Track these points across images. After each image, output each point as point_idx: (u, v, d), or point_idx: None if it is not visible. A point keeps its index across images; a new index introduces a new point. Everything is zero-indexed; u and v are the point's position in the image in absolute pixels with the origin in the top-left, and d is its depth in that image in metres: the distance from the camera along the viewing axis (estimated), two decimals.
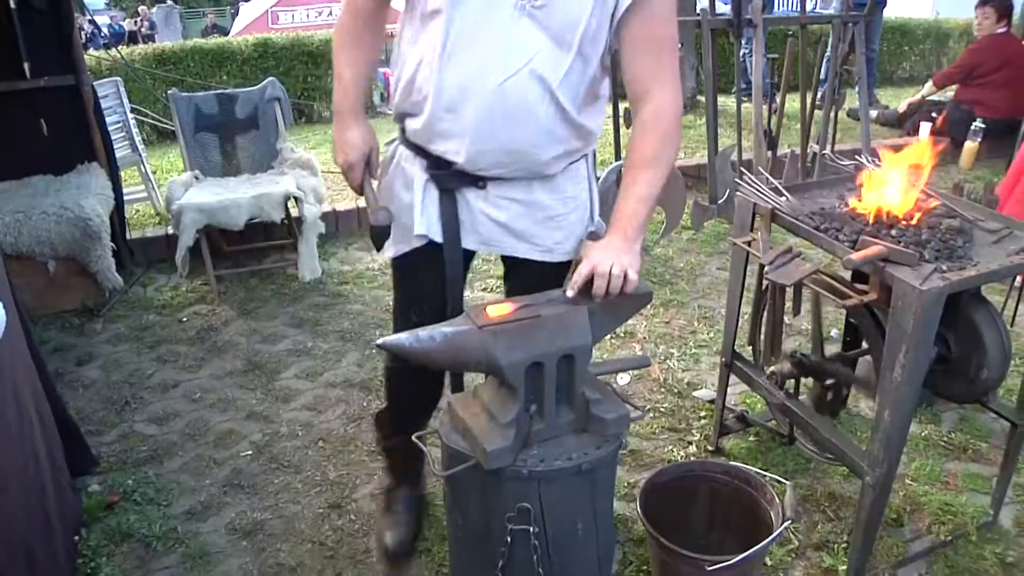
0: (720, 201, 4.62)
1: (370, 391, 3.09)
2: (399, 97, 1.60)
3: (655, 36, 1.48)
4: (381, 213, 1.61)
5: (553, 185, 1.72)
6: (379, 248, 1.66)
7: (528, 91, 1.48)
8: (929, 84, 6.34)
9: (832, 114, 4.85)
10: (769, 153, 4.79)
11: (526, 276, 1.76)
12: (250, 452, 2.77)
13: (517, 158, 1.56)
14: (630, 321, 3.57)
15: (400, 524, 2.12)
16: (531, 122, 1.51)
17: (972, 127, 5.83)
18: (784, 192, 2.30)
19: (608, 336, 3.42)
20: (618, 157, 4.59)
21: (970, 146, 5.78)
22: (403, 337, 1.45)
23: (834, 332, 3.44)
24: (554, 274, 1.76)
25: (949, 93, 6.37)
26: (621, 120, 4.43)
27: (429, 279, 1.75)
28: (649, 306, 3.76)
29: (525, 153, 1.55)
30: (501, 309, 1.56)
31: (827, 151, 4.83)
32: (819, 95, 5.58)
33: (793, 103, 6.20)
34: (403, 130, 1.64)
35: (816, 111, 5.55)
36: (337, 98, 1.68)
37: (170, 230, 4.22)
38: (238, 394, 3.11)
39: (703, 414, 2.92)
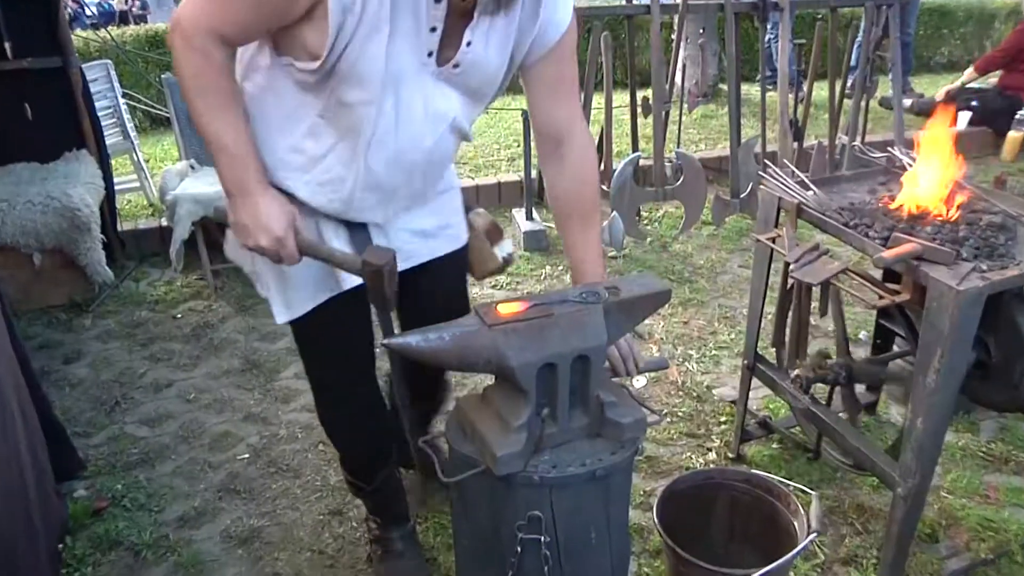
0: (743, 195, 4.65)
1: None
2: (279, 158, 1.57)
3: (567, 77, 1.63)
4: (379, 252, 1.52)
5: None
6: (384, 307, 1.59)
7: (449, 144, 1.69)
8: (970, 70, 6.26)
9: (863, 103, 4.84)
10: (795, 144, 4.80)
11: (438, 279, 1.91)
12: (247, 455, 2.78)
13: (427, 189, 1.75)
14: (647, 321, 3.58)
15: (410, 569, 2.11)
16: (446, 164, 1.76)
17: (1016, 116, 5.79)
18: (811, 185, 2.30)
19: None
20: (635, 148, 4.60)
21: (1013, 136, 5.73)
22: (410, 338, 1.46)
23: (863, 334, 3.43)
24: (458, 266, 1.97)
25: (992, 80, 6.31)
26: (639, 109, 4.44)
27: (356, 324, 1.83)
28: (667, 305, 3.75)
29: (434, 184, 1.78)
30: (512, 307, 1.56)
31: (857, 142, 4.81)
32: (849, 83, 5.57)
33: (821, 91, 6.18)
34: (282, 191, 1.60)
35: (846, 100, 5.53)
36: (228, 174, 1.48)
37: (164, 222, 4.23)
38: (235, 394, 3.12)
39: (723, 419, 2.93)
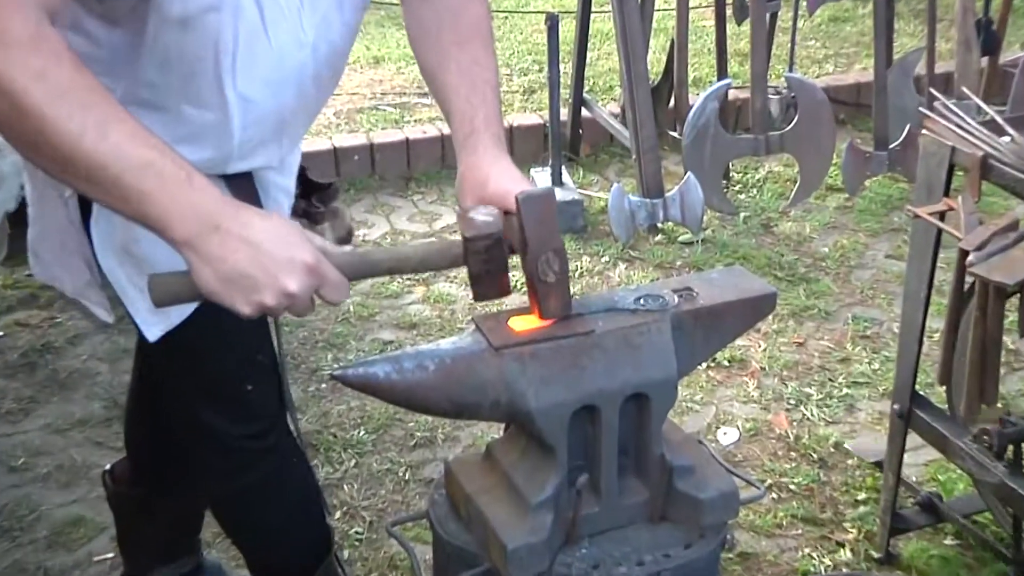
0: (893, 145, 4.66)
1: (319, 450, 3.14)
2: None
3: None
4: (482, 219, 1.57)
5: None
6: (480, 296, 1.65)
7: (341, 24, 1.77)
8: None
9: None
10: (984, 60, 4.74)
11: None
12: (110, 555, 2.80)
13: (323, 97, 1.89)
14: (739, 341, 3.61)
15: None
16: (345, 53, 1.85)
17: None
18: (1007, 128, 2.28)
19: (704, 365, 3.45)
20: (722, 74, 4.62)
21: None
22: (376, 368, 1.48)
23: None
24: None
25: None
26: (729, 11, 4.45)
27: (257, 334, 1.94)
28: (770, 317, 3.79)
29: (333, 87, 1.92)
30: (532, 320, 1.59)
31: None
32: None
33: None
34: None
35: None
36: (171, 206, 1.39)
37: None
38: (93, 457, 3.15)
39: (862, 496, 2.95)
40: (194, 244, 1.39)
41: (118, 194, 1.37)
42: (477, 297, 1.58)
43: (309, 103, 1.82)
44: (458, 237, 1.57)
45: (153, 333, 1.83)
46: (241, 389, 1.97)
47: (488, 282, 1.57)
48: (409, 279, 4.09)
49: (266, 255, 1.40)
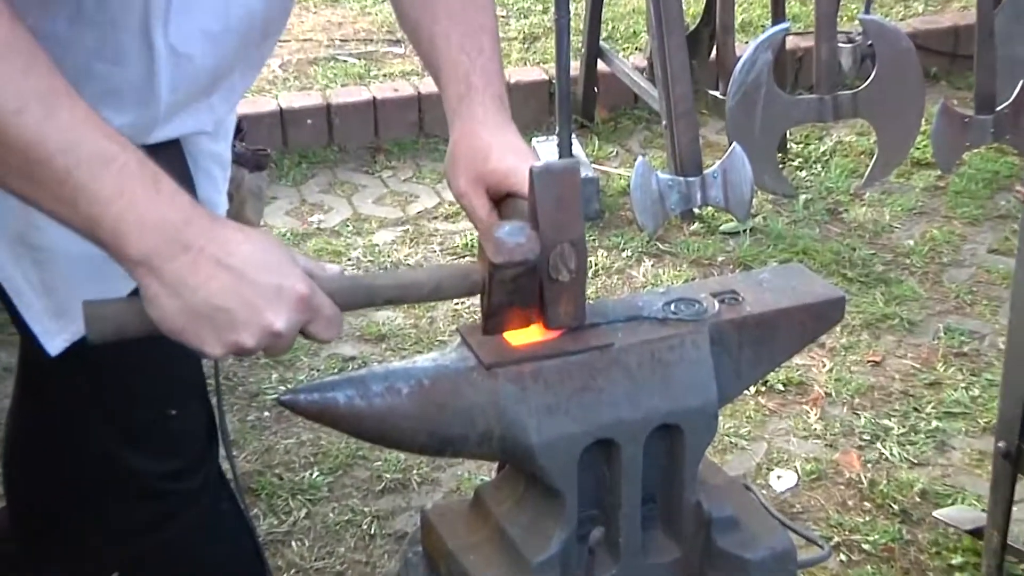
0: (1001, 107, 4.65)
1: (260, 496, 3.14)
2: None
3: None
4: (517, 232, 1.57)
5: None
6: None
7: (289, 6, 1.83)
8: None
9: None
10: None
11: None
12: None
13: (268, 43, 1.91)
14: (797, 360, 3.62)
15: None
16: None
17: None
18: None
19: (752, 389, 3.46)
20: (778, 16, 4.62)
21: None
22: (336, 392, 1.47)
23: None
24: None
25: None
26: None
27: (180, 349, 1.91)
28: (837, 328, 3.80)
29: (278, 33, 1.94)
30: (533, 331, 1.59)
31: None
32: None
33: None
34: None
35: None
36: (128, 213, 1.37)
37: None
38: None
39: (957, 559, 2.95)
40: (156, 266, 1.36)
41: (60, 193, 1.34)
42: (488, 331, 1.57)
43: (252, 56, 1.83)
44: (475, 260, 1.56)
45: (55, 345, 1.81)
46: (162, 414, 1.97)
47: (508, 316, 1.56)
48: None
49: (248, 284, 1.39)
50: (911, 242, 4.36)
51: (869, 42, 4.54)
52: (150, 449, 1.99)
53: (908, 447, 3.34)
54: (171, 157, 1.80)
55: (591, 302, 1.62)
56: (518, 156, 1.63)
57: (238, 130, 2.25)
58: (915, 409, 3.50)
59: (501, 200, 1.67)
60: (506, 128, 1.69)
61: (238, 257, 1.39)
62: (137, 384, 1.94)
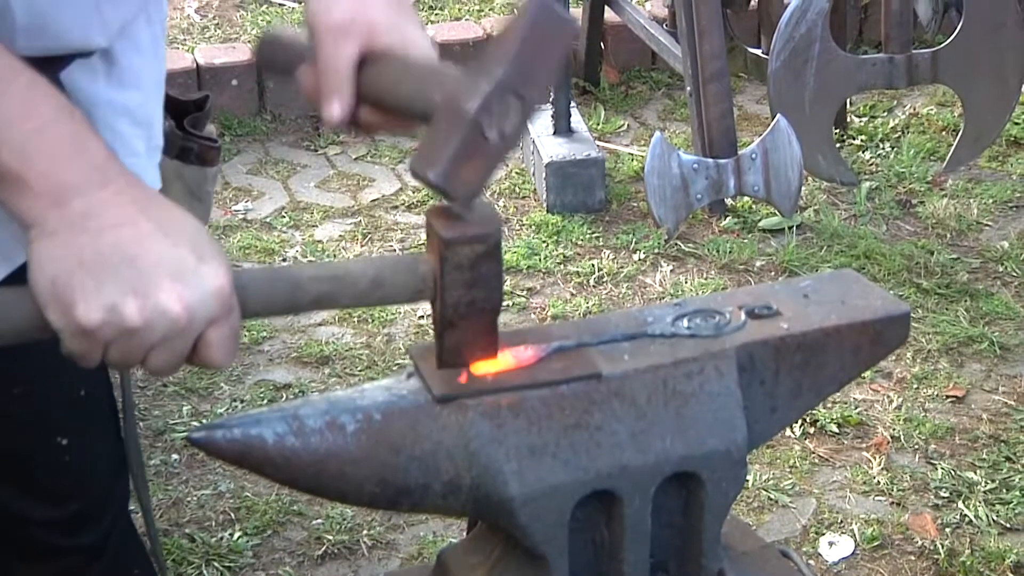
0: None
1: (167, 560, 3.14)
2: None
3: None
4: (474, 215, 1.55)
5: None
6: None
7: None
8: None
9: None
10: None
11: None
12: None
13: None
14: (855, 394, 3.64)
15: None
16: None
17: None
18: None
19: (796, 429, 3.48)
20: None
21: None
22: (262, 429, 1.46)
23: None
24: None
25: None
26: None
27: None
28: (907, 354, 3.83)
29: None
30: (506, 356, 1.60)
31: None
32: None
33: None
34: None
35: None
36: (31, 122, 1.44)
37: None
38: None
39: None
40: (64, 199, 1.40)
41: None
42: (444, 360, 1.57)
43: None
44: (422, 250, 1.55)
45: None
46: (50, 444, 1.98)
47: (468, 327, 1.56)
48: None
49: (168, 246, 1.41)
50: (1005, 244, 4.38)
51: None
52: (36, 490, 1.99)
53: (998, 507, 3.35)
54: None
55: (589, 317, 1.63)
56: (416, 22, 1.65)
57: (200, 105, 2.24)
58: (1008, 459, 3.51)
59: (366, 57, 1.65)
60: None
61: (164, 214, 1.42)
62: (12, 403, 1.94)
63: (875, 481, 3.43)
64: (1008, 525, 3.30)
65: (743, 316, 1.66)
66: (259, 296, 1.50)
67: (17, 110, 1.39)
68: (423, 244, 4.26)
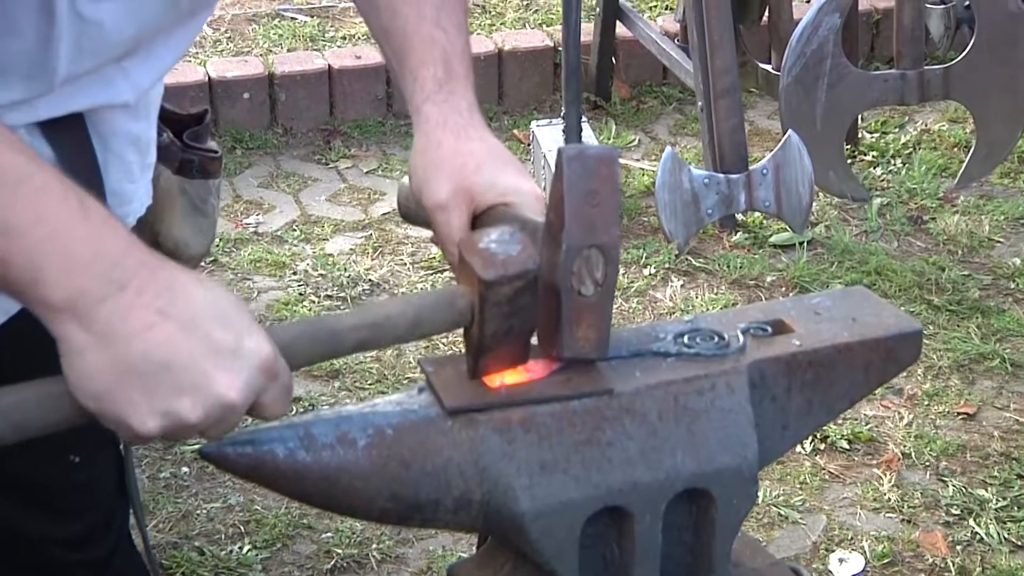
0: None
1: (175, 574, 3.16)
2: None
3: None
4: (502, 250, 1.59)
5: None
6: None
7: None
8: None
9: None
10: None
11: None
12: None
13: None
14: (866, 410, 3.64)
15: None
16: None
17: None
18: None
19: (807, 446, 3.47)
20: None
21: None
22: (273, 443, 1.45)
23: None
24: None
25: None
26: None
27: None
28: (919, 371, 3.82)
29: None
30: (516, 372, 1.59)
31: None
32: None
33: None
34: None
35: None
36: (37, 233, 1.39)
37: None
38: None
39: None
40: (83, 310, 1.35)
41: None
42: (476, 372, 1.58)
43: (183, 17, 1.83)
44: (456, 282, 1.57)
45: None
46: (62, 463, 1.98)
47: (502, 350, 1.57)
48: (327, 293, 4.11)
49: (200, 339, 1.38)
50: (1017, 260, 4.37)
51: (966, 2, 4.56)
52: (47, 507, 1.99)
53: (1009, 525, 3.34)
54: (72, 138, 1.79)
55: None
56: (514, 169, 1.65)
57: (199, 119, 2.25)
58: (1019, 476, 3.50)
59: (477, 216, 1.69)
60: (486, 132, 1.72)
61: (186, 304, 1.39)
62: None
63: (886, 498, 3.43)
64: (1019, 543, 3.30)
65: (756, 334, 1.67)
66: (302, 353, 1.50)
67: (27, 217, 1.35)
68: (433, 258, 4.34)
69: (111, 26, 1.72)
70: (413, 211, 1.89)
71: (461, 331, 1.59)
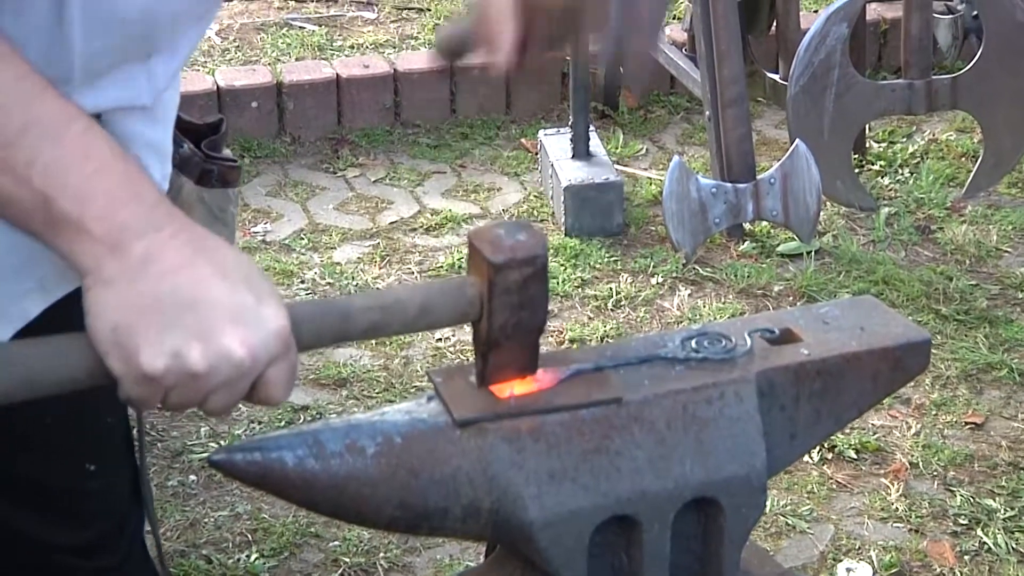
0: None
1: None
2: None
3: None
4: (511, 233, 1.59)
5: None
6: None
7: None
8: None
9: None
10: None
11: None
12: None
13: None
14: (874, 420, 3.63)
15: None
16: None
17: None
18: None
19: (815, 455, 3.47)
20: None
21: None
22: (281, 451, 1.45)
23: None
24: None
25: None
26: None
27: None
28: (927, 380, 3.82)
29: None
30: (525, 382, 1.59)
31: None
32: None
33: None
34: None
35: None
36: (86, 167, 1.45)
37: None
38: None
39: None
40: (122, 242, 1.40)
41: (5, 160, 1.39)
42: (484, 372, 1.58)
43: (199, 2, 1.82)
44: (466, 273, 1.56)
45: None
46: (78, 471, 1.98)
47: (510, 348, 1.56)
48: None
49: (228, 289, 1.42)
50: None
51: (974, 12, 4.55)
52: (60, 514, 1.99)
53: (1017, 535, 3.34)
54: None
55: (609, 342, 1.62)
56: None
57: (215, 128, 2.25)
58: None
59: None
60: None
61: (220, 255, 1.43)
62: (44, 433, 1.92)
63: (893, 507, 3.42)
64: None
65: (748, 339, 1.66)
66: (312, 330, 1.50)
67: (75, 155, 1.40)
68: (440, 267, 4.33)
69: (123, 3, 1.71)
70: (458, 38, 1.92)
71: (470, 341, 1.59)
